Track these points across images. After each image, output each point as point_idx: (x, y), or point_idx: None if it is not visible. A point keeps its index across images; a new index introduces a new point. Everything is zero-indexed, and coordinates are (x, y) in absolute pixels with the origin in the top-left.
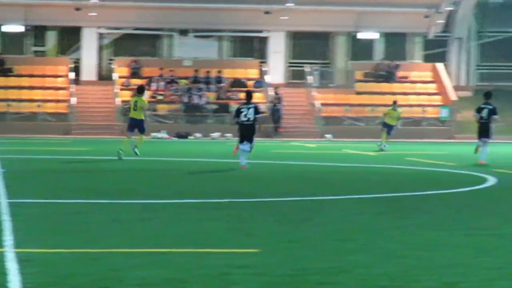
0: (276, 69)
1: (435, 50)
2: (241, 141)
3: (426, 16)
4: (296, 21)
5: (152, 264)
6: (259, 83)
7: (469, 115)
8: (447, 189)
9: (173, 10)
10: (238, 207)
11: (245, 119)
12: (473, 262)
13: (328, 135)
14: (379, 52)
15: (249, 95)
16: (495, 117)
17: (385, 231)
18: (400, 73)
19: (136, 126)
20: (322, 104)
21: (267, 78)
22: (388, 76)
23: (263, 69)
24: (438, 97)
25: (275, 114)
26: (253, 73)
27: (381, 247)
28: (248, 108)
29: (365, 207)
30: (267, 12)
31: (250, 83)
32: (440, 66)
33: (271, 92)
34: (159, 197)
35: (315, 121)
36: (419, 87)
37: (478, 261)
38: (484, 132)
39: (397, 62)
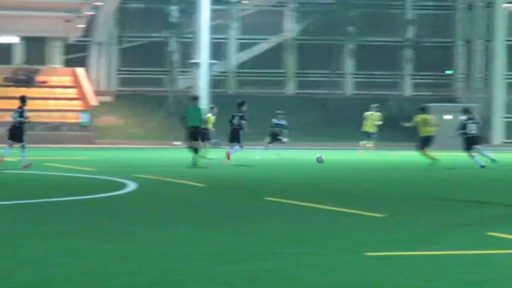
0: None
1: (76, 55)
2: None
3: (67, 21)
4: None
5: None
6: None
7: (109, 120)
8: (87, 195)
9: None
10: None
11: (13, 121)
12: (114, 268)
13: None
14: (19, 56)
15: (22, 99)
16: (244, 122)
17: (23, 238)
18: (39, 78)
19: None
20: None
21: None
22: (27, 81)
23: None
24: (78, 102)
25: None
26: None
27: (18, 255)
28: (16, 112)
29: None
30: None
31: None
32: (80, 71)
33: None
34: None
35: None
36: (59, 92)
37: (118, 267)
38: (234, 137)
39: (37, 67)
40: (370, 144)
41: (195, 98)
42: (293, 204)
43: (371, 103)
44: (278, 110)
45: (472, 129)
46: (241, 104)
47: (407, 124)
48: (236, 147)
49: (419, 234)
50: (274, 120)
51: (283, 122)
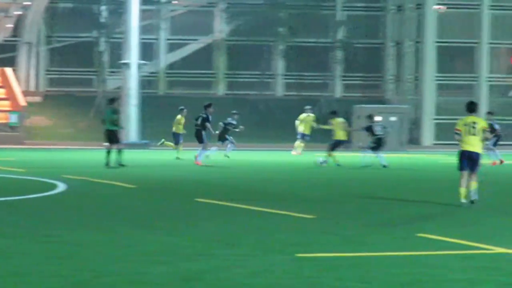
0: None
1: (5, 55)
2: None
3: None
4: None
5: None
6: None
7: (39, 121)
8: (17, 196)
9: None
10: None
11: None
12: (43, 270)
13: None
14: None
15: None
16: (207, 124)
17: None
18: None
19: None
20: None
21: None
22: None
23: None
24: (7, 103)
25: None
26: None
27: None
28: None
29: None
30: None
31: None
32: (9, 71)
33: None
34: None
35: None
36: None
37: (48, 269)
38: (197, 138)
39: None
40: (302, 144)
41: (112, 101)
42: (224, 205)
43: (301, 104)
44: (233, 110)
45: (379, 130)
46: (207, 106)
47: (323, 126)
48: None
49: (350, 235)
50: (229, 119)
51: (234, 121)
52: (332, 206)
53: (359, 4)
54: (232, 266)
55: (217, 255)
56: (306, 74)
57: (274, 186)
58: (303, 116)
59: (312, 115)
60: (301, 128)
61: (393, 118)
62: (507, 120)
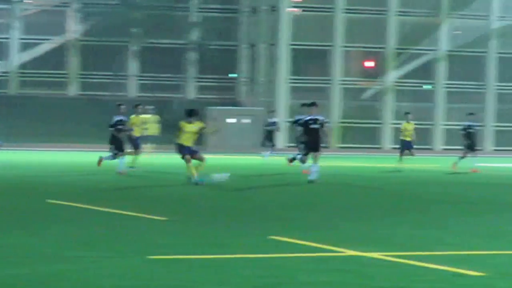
0: None
1: None
2: None
3: None
4: None
5: None
6: None
7: None
8: None
9: None
10: None
11: None
12: None
13: None
14: None
15: None
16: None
17: None
18: None
19: None
20: None
21: None
22: None
23: None
24: None
25: None
26: None
27: None
28: None
29: None
30: None
31: None
32: None
33: None
34: None
35: None
36: None
37: None
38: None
39: None
40: (152, 146)
41: None
42: (76, 206)
43: (156, 105)
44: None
45: None
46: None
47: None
48: None
49: (202, 237)
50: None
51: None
52: (183, 208)
53: (213, 6)
54: (84, 269)
55: (69, 257)
56: (160, 75)
57: (126, 188)
58: (147, 117)
59: (155, 115)
60: (151, 129)
61: (246, 120)
62: (360, 124)
